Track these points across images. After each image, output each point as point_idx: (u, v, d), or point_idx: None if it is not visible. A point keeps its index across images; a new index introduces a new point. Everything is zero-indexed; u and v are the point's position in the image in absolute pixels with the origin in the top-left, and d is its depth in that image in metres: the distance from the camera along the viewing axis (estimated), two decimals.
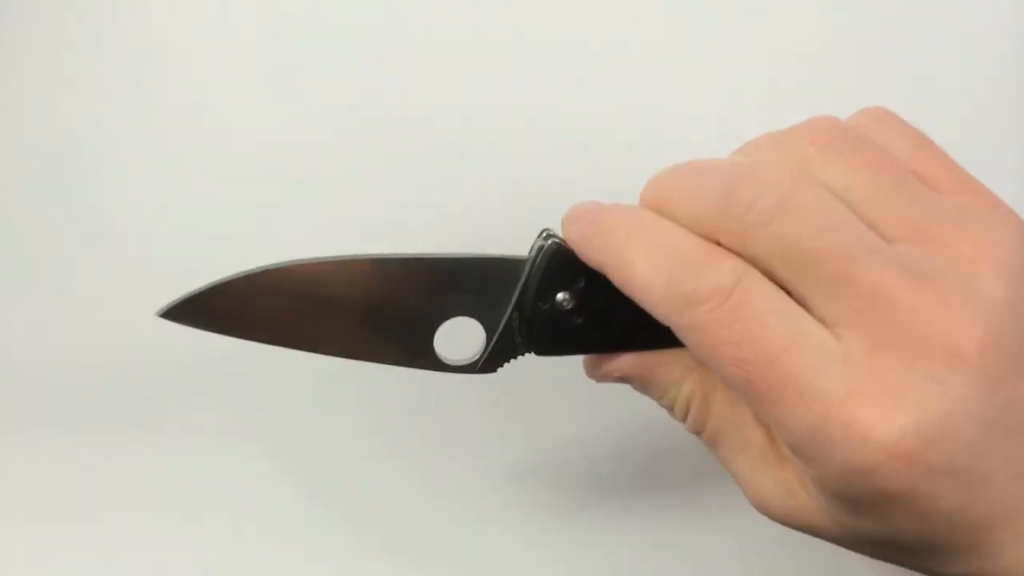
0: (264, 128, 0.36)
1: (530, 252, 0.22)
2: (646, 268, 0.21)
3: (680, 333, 0.21)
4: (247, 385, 0.36)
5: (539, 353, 0.22)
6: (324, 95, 0.36)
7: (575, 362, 0.25)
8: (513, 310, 0.22)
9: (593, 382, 0.25)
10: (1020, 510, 0.20)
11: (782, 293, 0.20)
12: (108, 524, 0.37)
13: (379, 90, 0.35)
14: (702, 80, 0.35)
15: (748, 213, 0.20)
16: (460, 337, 0.23)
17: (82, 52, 0.35)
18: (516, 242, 0.23)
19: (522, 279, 0.22)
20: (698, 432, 0.25)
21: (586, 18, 0.34)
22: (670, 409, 0.25)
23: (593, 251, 0.22)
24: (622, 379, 0.24)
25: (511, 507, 0.37)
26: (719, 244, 0.21)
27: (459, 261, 0.22)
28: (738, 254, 0.21)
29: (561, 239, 0.22)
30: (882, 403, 0.19)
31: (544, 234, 0.22)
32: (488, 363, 0.22)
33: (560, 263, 0.22)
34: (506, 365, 0.23)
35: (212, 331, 0.21)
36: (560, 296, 0.22)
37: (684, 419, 0.25)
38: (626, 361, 0.24)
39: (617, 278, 0.21)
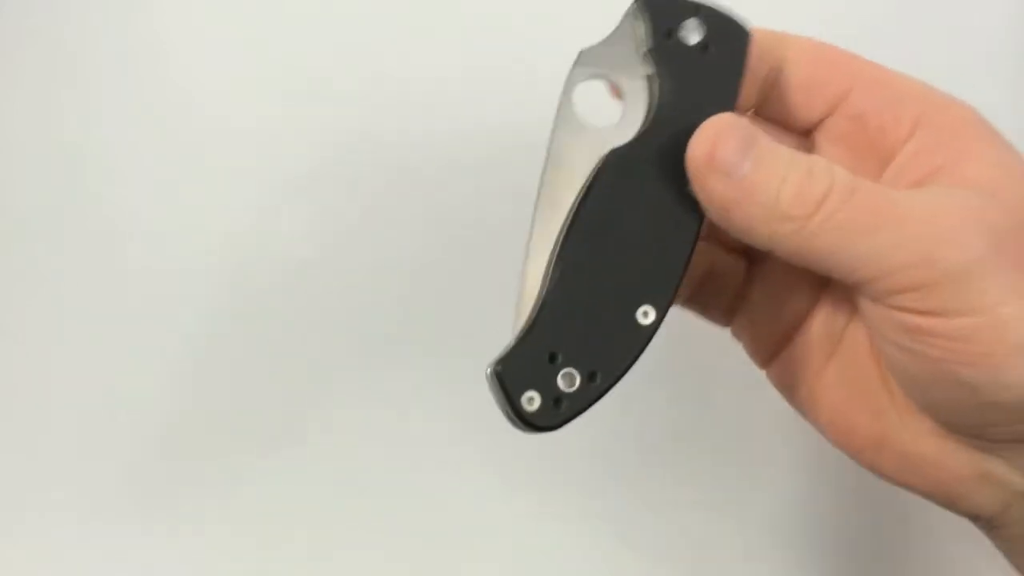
0: (264, 128, 0.36)
1: None
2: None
3: None
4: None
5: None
6: (323, 93, 0.36)
7: None
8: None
9: None
10: None
11: None
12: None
13: (379, 89, 0.36)
14: None
15: None
16: None
17: (82, 52, 0.36)
18: None
19: None
20: None
21: (590, 18, 0.34)
22: None
23: None
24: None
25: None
26: None
27: None
28: None
29: None
30: None
31: None
32: None
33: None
34: None
35: None
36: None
37: None
38: None
39: None
